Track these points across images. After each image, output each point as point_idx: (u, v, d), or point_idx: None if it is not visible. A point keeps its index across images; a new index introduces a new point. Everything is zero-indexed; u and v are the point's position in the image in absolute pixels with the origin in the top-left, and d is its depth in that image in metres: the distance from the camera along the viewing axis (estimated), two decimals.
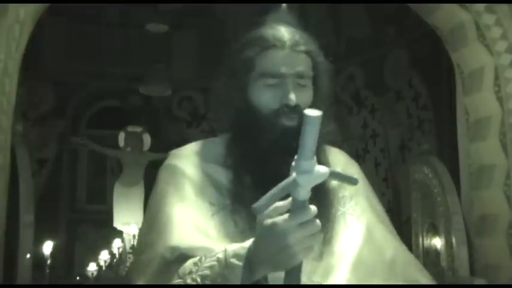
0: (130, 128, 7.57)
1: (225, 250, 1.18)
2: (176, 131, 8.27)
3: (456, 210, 4.33)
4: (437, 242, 4.60)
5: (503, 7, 4.02)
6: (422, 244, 4.83)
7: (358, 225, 1.43)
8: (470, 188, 4.29)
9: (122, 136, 7.53)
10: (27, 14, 3.76)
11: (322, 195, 1.35)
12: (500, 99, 4.07)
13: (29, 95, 6.93)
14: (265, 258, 1.11)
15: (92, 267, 5.94)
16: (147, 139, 7.58)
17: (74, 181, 8.17)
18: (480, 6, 4.09)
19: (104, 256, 6.12)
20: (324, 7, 7.12)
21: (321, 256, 1.34)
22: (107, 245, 6.37)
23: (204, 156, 1.45)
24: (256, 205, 1.05)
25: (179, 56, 8.17)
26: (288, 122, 1.35)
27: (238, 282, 1.13)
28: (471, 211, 4.28)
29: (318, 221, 1.08)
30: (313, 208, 1.07)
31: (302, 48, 1.40)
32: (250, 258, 1.14)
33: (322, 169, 1.05)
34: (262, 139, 1.36)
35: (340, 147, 1.59)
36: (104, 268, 6.07)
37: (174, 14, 7.67)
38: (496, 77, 4.08)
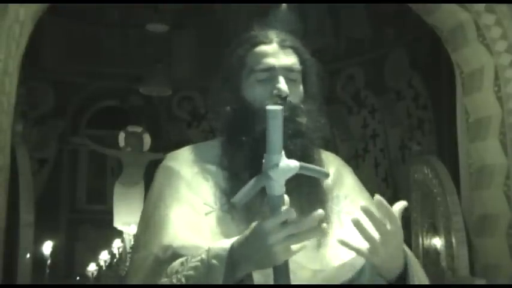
0: (130, 128, 7.57)
1: (208, 250, 1.20)
2: (176, 131, 8.27)
3: (456, 210, 4.32)
4: (437, 242, 4.59)
5: (503, 7, 4.01)
6: (422, 244, 4.83)
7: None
8: (470, 188, 4.29)
9: (122, 136, 7.52)
10: (27, 14, 3.76)
11: (315, 194, 1.39)
12: (500, 99, 4.06)
13: (29, 95, 6.92)
14: (245, 257, 1.14)
15: (92, 267, 5.93)
16: (147, 139, 7.57)
17: (74, 181, 8.16)
18: (480, 6, 4.09)
19: (104, 256, 6.11)
20: (324, 7, 7.12)
21: (318, 246, 1.36)
22: (107, 245, 6.36)
23: (199, 158, 1.48)
24: (234, 199, 1.08)
25: (179, 56, 8.17)
26: None
27: (219, 282, 1.16)
28: (471, 211, 4.28)
29: (302, 221, 1.09)
30: (290, 208, 1.10)
31: (288, 43, 1.47)
32: (231, 257, 1.16)
33: (292, 162, 1.07)
34: (255, 134, 1.38)
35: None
36: (104, 268, 6.07)
37: (174, 14, 7.67)
38: (496, 77, 4.08)
